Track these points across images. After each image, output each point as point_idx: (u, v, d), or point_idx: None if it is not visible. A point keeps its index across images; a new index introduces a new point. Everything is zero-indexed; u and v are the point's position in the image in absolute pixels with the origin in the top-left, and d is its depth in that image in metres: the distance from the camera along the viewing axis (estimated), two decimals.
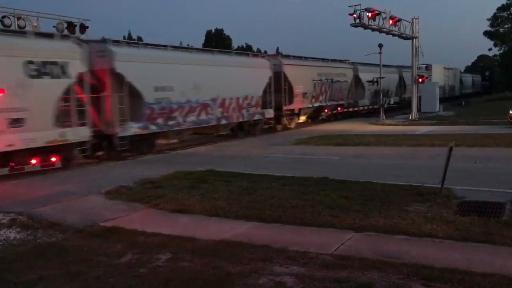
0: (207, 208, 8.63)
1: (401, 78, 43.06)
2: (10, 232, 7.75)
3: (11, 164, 12.78)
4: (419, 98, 34.57)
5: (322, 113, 31.09)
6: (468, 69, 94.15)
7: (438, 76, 47.39)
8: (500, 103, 40.21)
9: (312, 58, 30.80)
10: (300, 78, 27.12)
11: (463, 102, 46.90)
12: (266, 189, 9.96)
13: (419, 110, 32.36)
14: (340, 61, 34.33)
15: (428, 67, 48.12)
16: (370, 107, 37.05)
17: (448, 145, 9.09)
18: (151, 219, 8.35)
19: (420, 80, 32.52)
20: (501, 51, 60.31)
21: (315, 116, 30.84)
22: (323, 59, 32.22)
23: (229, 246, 6.53)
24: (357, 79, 35.27)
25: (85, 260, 6.21)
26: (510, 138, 17.28)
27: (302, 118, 28.87)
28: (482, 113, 31.52)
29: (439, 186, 9.01)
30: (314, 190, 9.66)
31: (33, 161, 13.26)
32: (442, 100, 45.84)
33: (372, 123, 29.15)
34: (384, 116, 31.18)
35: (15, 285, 5.52)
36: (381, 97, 33.60)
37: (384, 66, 38.29)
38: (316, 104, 29.54)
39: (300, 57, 28.93)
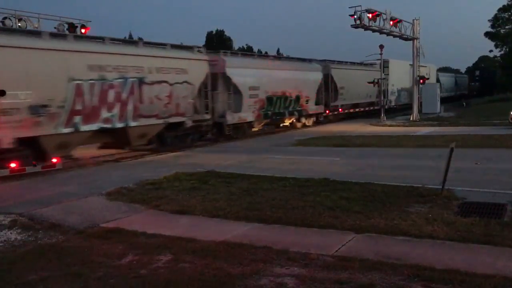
0: (208, 209, 8.63)
1: (329, 78, 30.36)
2: (11, 233, 7.75)
3: (12, 165, 12.78)
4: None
5: (125, 145, 17.21)
6: (469, 70, 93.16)
7: (397, 75, 38.66)
8: (501, 104, 40.21)
9: (75, 35, 15.68)
10: (14, 73, 12.66)
11: (464, 103, 46.24)
12: (267, 190, 9.95)
13: (420, 111, 32.37)
14: (175, 46, 19.28)
15: (383, 63, 37.70)
16: (260, 124, 24.69)
17: (449, 146, 9.08)
18: (152, 220, 8.35)
19: (422, 81, 32.40)
20: (502, 52, 60.31)
21: (110, 146, 17.33)
22: (115, 40, 17.08)
23: (230, 247, 6.53)
24: (225, 80, 20.94)
25: (85, 261, 6.21)
26: (511, 139, 17.27)
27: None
28: (483, 114, 31.53)
29: (440, 187, 9.00)
30: (315, 191, 9.66)
31: (34, 162, 13.26)
32: (405, 107, 37.95)
33: (373, 124, 29.15)
34: (385, 117, 31.21)
35: (15, 286, 5.52)
36: (382, 98, 33.58)
37: (299, 59, 29.41)
38: (90, 127, 14.88)
39: (36, 32, 14.31)
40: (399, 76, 39.99)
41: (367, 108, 36.47)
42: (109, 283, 5.50)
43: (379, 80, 32.22)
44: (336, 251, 6.29)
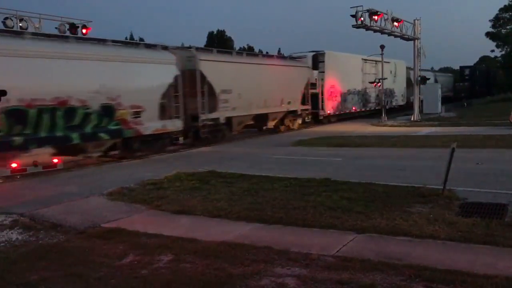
0: (209, 209, 8.63)
1: (198, 77, 18.81)
2: (12, 233, 7.76)
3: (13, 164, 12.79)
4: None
5: None
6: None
7: (340, 73, 29.62)
8: (502, 104, 40.11)
9: None
10: None
11: (465, 104, 45.79)
12: (268, 190, 9.95)
13: (421, 111, 32.33)
14: None
15: (318, 57, 28.10)
16: None
17: (450, 146, 9.08)
18: (153, 220, 8.35)
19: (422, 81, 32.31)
20: (503, 52, 60.30)
21: None
22: None
23: (231, 247, 6.53)
24: None
25: (86, 261, 6.22)
26: None
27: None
28: (484, 114, 31.49)
29: (441, 187, 8.99)
30: (316, 191, 9.66)
31: (35, 163, 13.27)
32: (354, 116, 32.55)
33: (374, 124, 29.12)
34: (386, 117, 31.16)
35: (16, 286, 5.52)
36: (383, 98, 33.48)
37: (127, 43, 19.45)
38: None
39: None
40: (344, 75, 30.68)
41: (284, 119, 25.82)
42: (110, 283, 5.50)
43: (380, 80, 32.10)
44: (337, 251, 6.28)
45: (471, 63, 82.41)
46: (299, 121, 27.15)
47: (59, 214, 8.86)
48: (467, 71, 63.29)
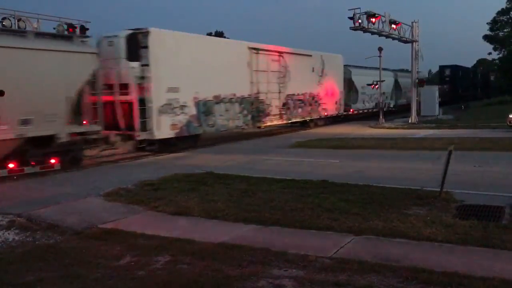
0: (206, 211, 8.62)
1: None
2: (8, 233, 7.73)
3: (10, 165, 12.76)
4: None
5: None
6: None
7: (180, 68, 17.52)
8: (500, 107, 40.23)
9: None
10: None
11: (463, 106, 45.60)
12: (266, 192, 9.95)
13: (418, 113, 32.37)
14: None
15: (137, 39, 16.55)
16: None
17: (447, 148, 9.10)
18: (150, 221, 8.33)
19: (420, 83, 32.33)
20: (500, 55, 60.50)
21: None
22: None
23: (228, 249, 6.53)
24: None
25: (83, 262, 6.20)
26: (509, 141, 17.31)
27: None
28: (481, 117, 31.57)
29: (439, 189, 9.01)
30: (314, 193, 9.66)
31: (33, 163, 13.24)
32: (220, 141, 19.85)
33: (371, 126, 29.15)
34: (383, 119, 31.19)
35: (13, 286, 5.51)
36: (380, 100, 33.44)
37: None
38: None
39: None
40: (204, 71, 18.73)
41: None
42: (107, 284, 5.49)
43: (378, 82, 32.06)
44: (335, 253, 6.29)
45: (468, 66, 77.20)
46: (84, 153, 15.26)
47: (56, 214, 8.84)
48: (447, 71, 51.54)
